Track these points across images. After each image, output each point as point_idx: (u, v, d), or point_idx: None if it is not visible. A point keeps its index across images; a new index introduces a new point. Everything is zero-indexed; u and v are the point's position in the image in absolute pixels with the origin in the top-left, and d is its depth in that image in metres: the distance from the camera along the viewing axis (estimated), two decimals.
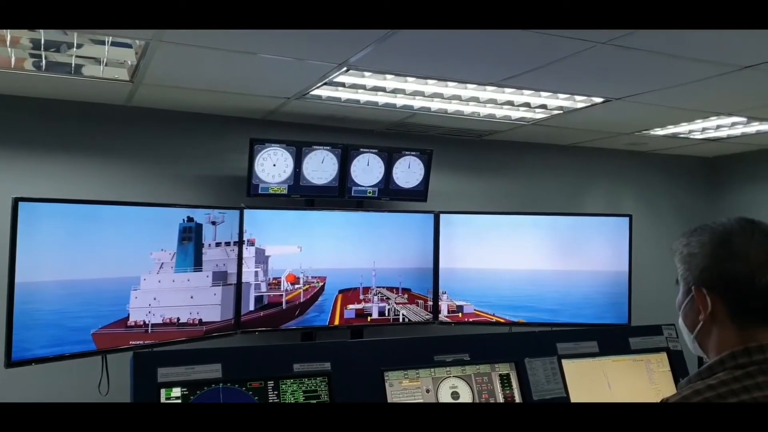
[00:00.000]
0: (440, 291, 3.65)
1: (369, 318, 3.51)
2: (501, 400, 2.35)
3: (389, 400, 2.21)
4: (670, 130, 3.80)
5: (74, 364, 2.66)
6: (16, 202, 2.36)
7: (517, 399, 2.37)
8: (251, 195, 3.33)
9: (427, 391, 2.29)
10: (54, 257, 2.49)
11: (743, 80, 2.66)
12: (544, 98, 3.09)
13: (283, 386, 2.10)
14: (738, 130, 3.84)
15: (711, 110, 3.33)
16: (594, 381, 2.57)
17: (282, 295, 3.36)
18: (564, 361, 2.53)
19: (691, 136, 4.00)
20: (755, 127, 3.74)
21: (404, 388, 2.26)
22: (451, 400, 2.29)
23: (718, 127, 3.75)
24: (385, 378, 2.25)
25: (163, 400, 1.94)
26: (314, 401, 2.10)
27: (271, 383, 2.08)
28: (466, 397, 2.31)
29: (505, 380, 2.40)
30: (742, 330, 1.16)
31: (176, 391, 1.96)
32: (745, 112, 3.36)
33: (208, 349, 2.10)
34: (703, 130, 3.84)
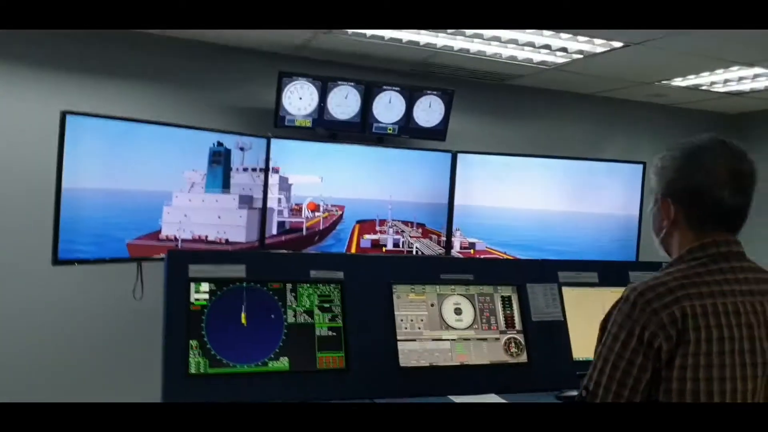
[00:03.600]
0: (454, 227, 3.82)
1: (384, 248, 3.69)
2: (501, 319, 2.53)
3: (396, 311, 2.40)
4: (691, 81, 3.85)
5: (111, 269, 2.91)
6: (63, 115, 2.57)
7: (517, 319, 2.54)
8: (278, 126, 3.50)
9: (432, 305, 2.47)
10: (96, 168, 2.71)
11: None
12: (564, 40, 3.17)
13: (300, 289, 2.29)
14: (761, 83, 3.87)
15: (731, 59, 3.37)
16: (591, 308, 2.69)
17: (303, 221, 3.56)
18: (564, 288, 2.68)
19: (713, 89, 4.04)
20: None
21: (411, 300, 2.45)
22: (454, 315, 2.48)
23: (740, 79, 3.79)
24: (394, 290, 2.43)
25: (192, 293, 2.15)
26: (327, 305, 2.31)
27: (289, 285, 2.28)
28: (468, 313, 2.49)
29: (506, 301, 2.57)
30: (698, 233, 1.32)
31: (204, 286, 2.17)
32: (766, 62, 3.40)
33: (234, 252, 2.31)
34: (725, 82, 3.88)
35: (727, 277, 1.26)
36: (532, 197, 3.84)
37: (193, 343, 2.11)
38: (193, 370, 2.09)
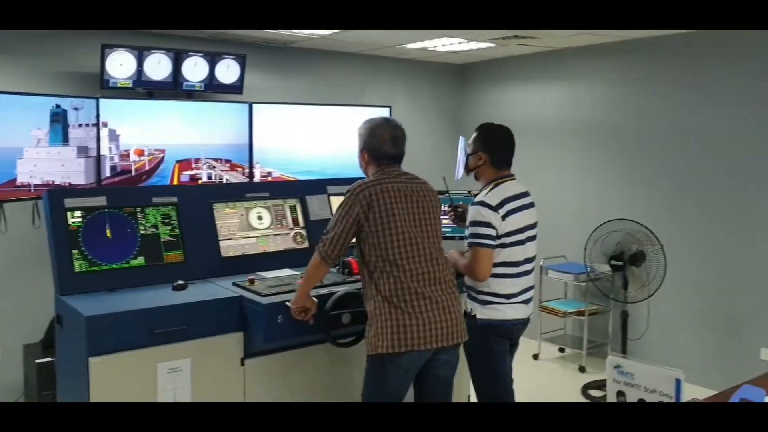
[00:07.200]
0: (255, 161, 4.95)
1: (200, 181, 4.73)
2: (290, 220, 3.77)
3: (216, 221, 3.51)
4: (418, 45, 5.30)
5: None
6: None
7: (300, 220, 3.80)
8: (104, 88, 4.29)
9: (241, 215, 3.63)
10: None
11: None
12: None
13: (147, 211, 3.31)
14: (467, 46, 5.42)
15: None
16: None
17: (131, 164, 4.45)
18: (331, 197, 4.00)
19: (436, 50, 5.55)
20: (484, 44, 5.27)
21: (226, 213, 3.58)
22: (257, 221, 3.66)
23: (450, 43, 5.31)
24: (214, 207, 3.55)
25: (69, 218, 3.07)
26: (167, 220, 3.36)
27: (139, 209, 3.29)
28: (267, 218, 3.69)
29: (293, 209, 3.82)
30: (377, 165, 2.74)
31: (77, 213, 3.10)
32: (462, 34, 4.91)
33: (97, 188, 3.24)
34: (443, 45, 5.38)
35: (392, 179, 2.66)
36: (313, 136, 5.09)
37: (75, 251, 3.06)
38: (77, 270, 3.04)
